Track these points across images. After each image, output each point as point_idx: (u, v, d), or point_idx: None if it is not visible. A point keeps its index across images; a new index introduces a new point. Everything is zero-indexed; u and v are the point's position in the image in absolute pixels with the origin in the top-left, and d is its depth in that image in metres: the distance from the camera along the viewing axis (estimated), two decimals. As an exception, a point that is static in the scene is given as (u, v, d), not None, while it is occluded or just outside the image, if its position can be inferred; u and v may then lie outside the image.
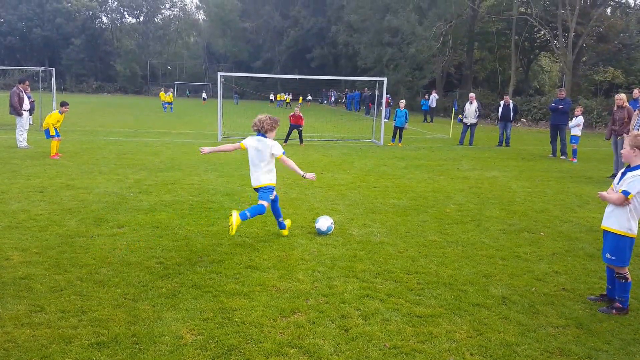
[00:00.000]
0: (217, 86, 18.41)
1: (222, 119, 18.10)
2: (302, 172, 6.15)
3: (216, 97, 19.43)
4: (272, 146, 5.84)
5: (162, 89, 42.35)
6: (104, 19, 79.21)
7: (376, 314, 4.17)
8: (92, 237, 5.98)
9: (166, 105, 35.44)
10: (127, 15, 79.84)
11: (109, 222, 6.63)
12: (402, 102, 18.57)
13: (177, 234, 6.21)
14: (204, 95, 54.70)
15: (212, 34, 73.13)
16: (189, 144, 15.80)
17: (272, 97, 55.65)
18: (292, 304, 4.30)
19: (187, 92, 68.52)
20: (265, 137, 5.88)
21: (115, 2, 77.69)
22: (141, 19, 79.06)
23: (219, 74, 18.36)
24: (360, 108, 42.91)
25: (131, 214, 7.07)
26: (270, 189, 5.94)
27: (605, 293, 4.67)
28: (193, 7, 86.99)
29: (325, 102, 58.44)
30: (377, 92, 22.57)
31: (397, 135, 18.03)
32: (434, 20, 39.44)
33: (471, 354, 3.61)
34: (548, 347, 3.75)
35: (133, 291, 4.48)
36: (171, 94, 37.27)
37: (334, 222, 6.58)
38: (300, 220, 7.02)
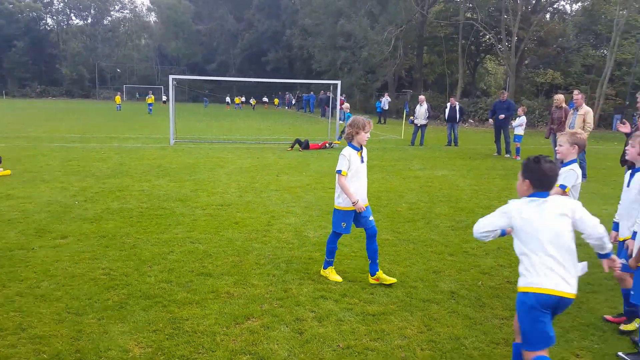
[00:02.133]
0: (170, 89, 18.07)
1: (174, 122, 17.80)
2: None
3: (177, 100, 19.08)
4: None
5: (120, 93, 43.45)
6: (49, 21, 76.28)
7: (330, 315, 4.24)
8: (33, 249, 5.74)
9: (151, 107, 37.32)
10: (74, 17, 77.13)
11: (51, 232, 6.38)
12: (346, 105, 18.69)
13: (125, 243, 6.04)
14: (165, 98, 53.70)
15: (164, 36, 71.74)
16: (139, 149, 15.44)
17: (228, 99, 55.19)
18: (246, 310, 4.30)
19: (137, 95, 66.85)
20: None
21: (61, 4, 74.97)
22: (89, 21, 76.58)
23: (171, 76, 18.05)
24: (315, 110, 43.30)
25: (76, 223, 6.84)
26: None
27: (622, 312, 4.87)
28: (144, 9, 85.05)
29: (286, 106, 58.38)
30: (331, 94, 22.80)
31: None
32: (385, 25, 40.27)
33: (421, 349, 3.73)
34: (494, 339, 3.92)
35: (77, 305, 4.32)
36: (152, 97, 39.24)
37: (290, 224, 6.61)
38: (255, 224, 7.03)
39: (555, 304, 2.94)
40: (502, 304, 4.59)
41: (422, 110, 18.92)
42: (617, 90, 32.94)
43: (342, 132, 17.69)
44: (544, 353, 2.91)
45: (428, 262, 5.67)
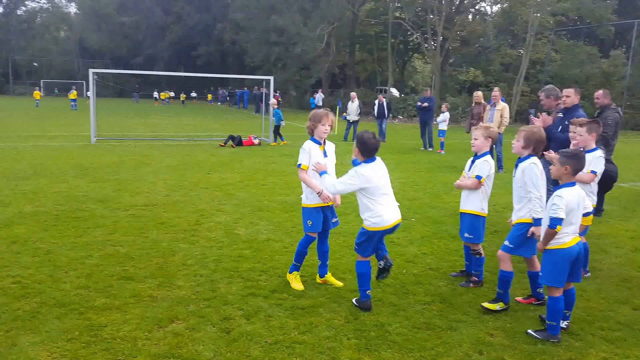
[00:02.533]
0: (91, 83, 17.25)
1: (95, 119, 17.03)
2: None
3: (102, 96, 18.20)
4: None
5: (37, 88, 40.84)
6: (-45, 12, 70.46)
7: (259, 312, 4.26)
8: None
9: (72, 103, 35.94)
10: (-17, 8, 71.69)
11: (-45, 241, 5.89)
12: (273, 101, 18.75)
13: (39, 249, 5.71)
14: (89, 93, 51.13)
15: (86, 29, 68.03)
16: (57, 148, 14.65)
17: (156, 94, 53.47)
18: (170, 312, 4.21)
19: (55, 91, 63.12)
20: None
21: (-31, -7, 69.46)
22: (0, 11, 71.43)
23: (91, 70, 17.23)
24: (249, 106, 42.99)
25: (-18, 229, 6.36)
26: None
27: (464, 269, 5.22)
28: (63, 0, 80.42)
29: (219, 102, 57.32)
30: (264, 90, 22.71)
31: (279, 134, 18.11)
32: (317, 21, 40.58)
33: (348, 339, 3.85)
34: (416, 323, 4.12)
35: (-19, 318, 4.02)
36: (75, 92, 37.61)
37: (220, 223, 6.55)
38: (183, 224, 6.92)
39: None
40: (424, 290, 4.82)
41: (353, 107, 19.47)
42: (532, 87, 35.06)
43: (275, 130, 17.70)
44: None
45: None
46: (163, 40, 65.23)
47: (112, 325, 3.98)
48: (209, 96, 60.51)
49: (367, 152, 4.24)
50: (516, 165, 4.47)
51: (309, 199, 4.75)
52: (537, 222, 4.18)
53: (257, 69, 46.02)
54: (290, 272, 4.94)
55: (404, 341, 3.82)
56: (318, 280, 5.02)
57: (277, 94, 30.83)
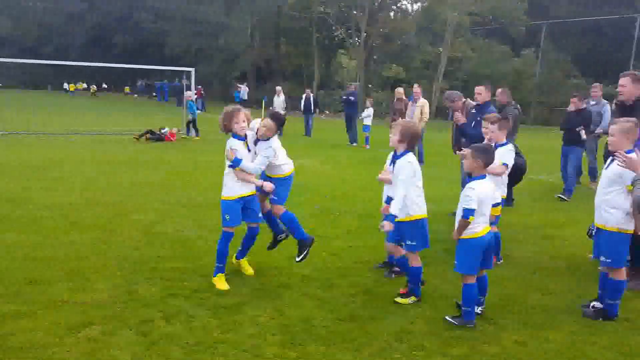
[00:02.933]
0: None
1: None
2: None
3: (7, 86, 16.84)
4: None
5: None
6: None
7: (180, 313, 4.14)
8: None
9: None
10: None
11: None
12: (189, 94, 18.27)
13: None
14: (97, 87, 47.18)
15: (-11, 12, 62.72)
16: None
17: (66, 86, 50.37)
18: (84, 317, 3.99)
19: None
20: None
21: None
22: None
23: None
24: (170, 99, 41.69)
25: None
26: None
27: (387, 260, 5.35)
28: (-40, -17, 73.54)
29: (135, 95, 54.99)
30: (185, 82, 22.09)
31: (196, 128, 17.61)
32: (242, 13, 39.96)
33: (273, 334, 3.83)
34: (340, 315, 4.18)
35: None
36: None
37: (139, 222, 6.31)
38: (99, 224, 6.59)
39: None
40: (349, 282, 4.90)
41: (279, 101, 19.45)
42: (450, 84, 36.62)
43: (188, 124, 17.16)
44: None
45: (286, 249, 5.78)
46: (77, 28, 61.40)
47: (21, 333, 3.71)
48: (127, 88, 57.79)
49: (281, 126, 4.87)
50: (393, 162, 4.55)
51: (227, 192, 4.72)
52: (389, 217, 4.27)
53: (179, 60, 44.66)
54: (214, 276, 4.81)
55: (328, 334, 3.87)
56: (232, 260, 5.08)
57: (200, 87, 30.21)
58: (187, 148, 14.71)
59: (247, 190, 4.76)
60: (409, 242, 4.50)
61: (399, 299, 4.53)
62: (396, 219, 4.35)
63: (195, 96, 20.79)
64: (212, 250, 5.63)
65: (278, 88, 20.57)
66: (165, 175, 10.14)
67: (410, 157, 4.55)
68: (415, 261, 4.52)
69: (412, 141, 4.48)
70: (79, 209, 7.26)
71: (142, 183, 9.33)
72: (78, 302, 4.29)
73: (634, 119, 4.28)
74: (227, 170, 4.72)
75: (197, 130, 17.57)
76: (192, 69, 19.23)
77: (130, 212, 7.23)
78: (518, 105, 8.22)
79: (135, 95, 54.92)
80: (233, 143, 4.67)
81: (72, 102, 37.32)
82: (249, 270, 5.09)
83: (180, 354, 3.54)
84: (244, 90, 34.08)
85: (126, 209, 7.42)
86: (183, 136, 17.28)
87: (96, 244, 5.83)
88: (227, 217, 4.70)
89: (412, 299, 4.54)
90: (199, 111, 21.08)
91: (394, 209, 4.27)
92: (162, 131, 16.39)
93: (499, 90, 8.74)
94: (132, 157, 12.51)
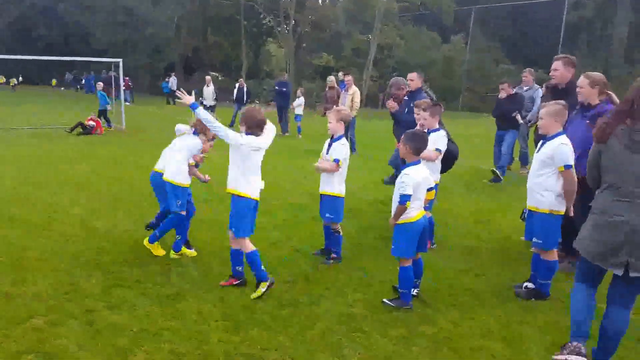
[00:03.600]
0: None
1: None
2: None
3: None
4: None
5: None
6: None
7: (124, 303, 4.17)
8: None
9: None
10: None
11: None
12: (100, 85, 17.44)
13: None
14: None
15: None
16: None
17: None
18: (28, 309, 3.96)
19: None
20: None
21: None
22: None
23: None
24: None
25: None
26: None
27: (324, 247, 5.54)
28: None
29: (64, 87, 51.97)
30: (113, 74, 21.27)
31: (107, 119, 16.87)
32: (168, 3, 38.74)
33: (216, 321, 3.94)
34: (281, 302, 4.33)
35: None
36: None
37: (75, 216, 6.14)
38: (34, 219, 6.38)
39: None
40: (288, 271, 5.04)
41: (209, 91, 18.99)
42: (381, 72, 36.68)
43: (99, 115, 16.46)
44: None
45: (220, 240, 5.84)
46: (-3, 20, 57.10)
47: (-36, 327, 3.64)
48: (54, 81, 54.57)
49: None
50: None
51: (184, 179, 5.13)
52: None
53: (105, 52, 42.75)
54: (175, 251, 5.27)
55: (270, 319, 4.01)
56: (173, 254, 5.27)
57: (127, 78, 29.18)
58: (114, 141, 14.24)
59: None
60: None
61: (253, 295, 4.41)
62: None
63: (124, 87, 19.99)
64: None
65: (208, 78, 20.00)
66: (98, 170, 9.83)
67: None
68: (248, 247, 4.49)
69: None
70: (13, 205, 6.98)
71: (74, 177, 9.01)
72: (19, 295, 4.23)
73: (562, 101, 4.44)
74: (183, 158, 5.12)
75: (108, 121, 16.80)
76: (119, 60, 18.53)
77: (65, 207, 7.01)
78: (429, 91, 8.49)
79: (62, 88, 51.99)
80: None
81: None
82: (193, 253, 5.40)
83: (126, 341, 3.59)
84: (172, 80, 33.19)
85: (60, 203, 7.18)
86: (105, 128, 16.50)
87: (34, 238, 5.67)
88: (178, 203, 5.10)
89: (263, 285, 4.41)
90: (127, 103, 20.41)
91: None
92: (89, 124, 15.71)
93: (414, 74, 9.14)
94: (64, 152, 11.98)
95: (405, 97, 7.33)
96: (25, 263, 4.93)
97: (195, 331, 3.76)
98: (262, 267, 4.46)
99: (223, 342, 3.63)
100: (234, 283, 4.64)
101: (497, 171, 9.51)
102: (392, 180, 9.72)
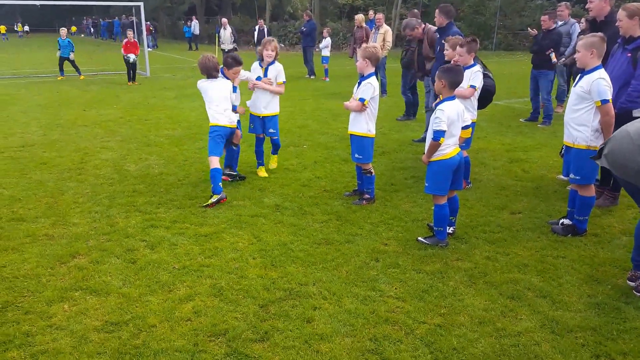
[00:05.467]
0: None
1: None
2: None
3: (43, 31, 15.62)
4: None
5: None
6: None
7: (163, 241, 4.26)
8: None
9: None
10: None
11: None
12: (63, 30, 16.20)
13: None
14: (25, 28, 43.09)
15: None
16: None
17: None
18: (70, 249, 4.09)
19: None
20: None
21: None
22: None
23: None
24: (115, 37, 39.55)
25: None
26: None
27: (357, 188, 5.53)
28: None
29: (83, 34, 51.81)
30: (134, 18, 20.98)
31: (61, 68, 16.11)
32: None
33: (253, 258, 4.00)
34: (316, 240, 4.36)
35: None
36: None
37: (107, 160, 6.23)
38: (67, 163, 6.50)
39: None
40: (321, 210, 5.06)
41: (226, 34, 18.41)
42: (410, 10, 35.29)
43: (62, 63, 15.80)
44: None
45: (253, 182, 5.91)
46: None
47: (12, 265, 3.81)
48: (73, 28, 54.36)
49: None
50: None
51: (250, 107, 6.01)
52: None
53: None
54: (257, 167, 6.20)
55: (306, 256, 4.05)
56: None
57: (149, 23, 28.79)
58: (139, 88, 14.23)
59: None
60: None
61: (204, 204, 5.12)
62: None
63: (145, 33, 19.70)
64: (182, 184, 5.76)
65: (224, 20, 19.29)
66: (124, 115, 9.92)
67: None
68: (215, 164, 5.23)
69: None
70: (44, 150, 7.16)
71: (102, 122, 9.12)
72: (61, 236, 4.36)
73: (600, 33, 4.25)
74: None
75: (77, 69, 16.02)
76: (140, 3, 18.18)
77: (96, 151, 7.14)
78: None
79: (82, 35, 51.84)
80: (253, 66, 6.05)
81: (16, 44, 35.01)
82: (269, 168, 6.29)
83: (168, 277, 3.68)
84: (194, 24, 32.61)
85: (90, 148, 7.32)
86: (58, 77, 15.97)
87: (67, 181, 5.80)
88: (252, 126, 6.03)
89: (215, 197, 5.12)
90: (149, 49, 20.19)
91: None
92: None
93: (414, 11, 9.04)
94: (89, 98, 12.13)
95: (437, 34, 7.11)
96: (63, 206, 5.06)
97: (235, 267, 3.84)
98: (220, 184, 5.20)
99: (261, 277, 3.69)
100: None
101: (541, 126, 9.13)
102: (405, 119, 9.70)
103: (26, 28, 51.30)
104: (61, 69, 16.07)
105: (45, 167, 6.30)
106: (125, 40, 14.97)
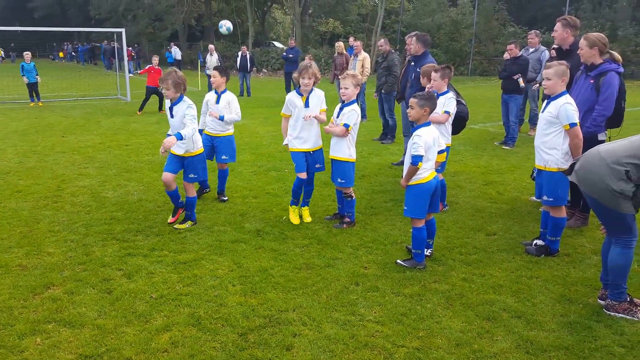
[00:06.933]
0: None
1: None
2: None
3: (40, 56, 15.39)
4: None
5: None
6: None
7: (140, 270, 4.20)
8: None
9: None
10: None
11: None
12: (27, 55, 15.62)
13: None
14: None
15: None
16: None
17: None
18: (44, 279, 4.01)
19: None
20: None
21: None
22: None
23: None
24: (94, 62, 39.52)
25: None
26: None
27: (337, 212, 5.56)
28: None
29: (64, 59, 51.59)
30: (116, 44, 21.04)
31: (35, 94, 15.64)
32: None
33: (233, 285, 3.97)
34: (296, 264, 4.35)
35: None
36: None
37: (84, 187, 6.19)
38: (43, 191, 6.41)
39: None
40: (302, 234, 5.06)
41: (212, 60, 18.71)
42: (389, 37, 36.32)
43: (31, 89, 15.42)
44: None
45: (234, 207, 5.91)
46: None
47: (-17, 298, 3.71)
48: (61, 53, 53.90)
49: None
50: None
51: (291, 144, 5.33)
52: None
53: (105, 21, 42.28)
54: (290, 205, 5.51)
55: (286, 281, 4.04)
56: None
57: (130, 49, 28.89)
58: (120, 112, 14.20)
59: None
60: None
61: (177, 225, 5.21)
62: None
63: (127, 59, 19.73)
64: (162, 211, 5.71)
65: (211, 46, 19.75)
66: (104, 140, 9.85)
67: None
68: (191, 192, 5.28)
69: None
70: (20, 177, 7.04)
71: (81, 148, 9.04)
72: (35, 266, 4.28)
73: (564, 61, 4.48)
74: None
75: (37, 95, 15.71)
76: (121, 29, 18.29)
77: (73, 178, 7.06)
78: (398, 54, 8.60)
79: (64, 60, 51.49)
80: (290, 96, 5.42)
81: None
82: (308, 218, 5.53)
83: (145, 307, 3.63)
84: (174, 50, 32.76)
85: (68, 175, 7.23)
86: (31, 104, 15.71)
87: (43, 210, 5.72)
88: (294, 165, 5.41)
89: (189, 223, 5.23)
90: (130, 74, 20.20)
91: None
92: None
93: (382, 40, 9.98)
94: (68, 123, 12.03)
95: (411, 63, 7.26)
96: (38, 235, 4.97)
97: (214, 295, 3.80)
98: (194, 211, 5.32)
99: (241, 304, 3.66)
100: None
101: (505, 146, 9.46)
102: (381, 139, 9.93)
103: (2, 54, 50.98)
104: (31, 95, 15.60)
105: (20, 195, 6.21)
106: (148, 66, 14.67)
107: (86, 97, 17.89)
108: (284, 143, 5.44)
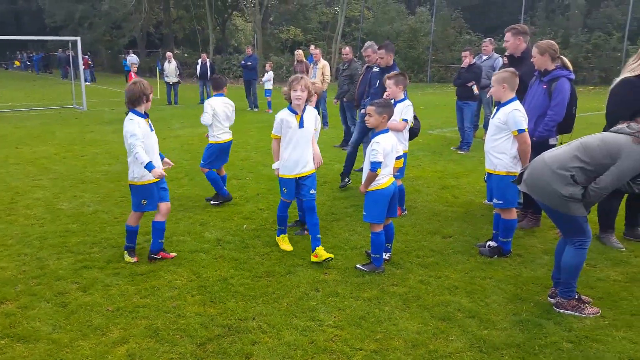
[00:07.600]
0: None
1: None
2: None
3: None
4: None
5: None
6: None
7: (96, 283, 4.13)
8: None
9: None
10: None
11: None
12: None
13: None
14: None
15: None
16: None
17: None
18: (-4, 294, 3.90)
19: None
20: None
21: None
22: None
23: None
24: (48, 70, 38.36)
25: None
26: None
27: (298, 219, 5.59)
28: None
29: (9, 67, 49.90)
30: (71, 52, 20.55)
31: None
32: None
33: (192, 295, 3.94)
34: (257, 273, 4.35)
35: None
36: None
37: (39, 199, 6.02)
38: (-4, 204, 6.21)
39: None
40: (263, 242, 5.07)
41: (171, 68, 18.52)
42: (349, 44, 36.59)
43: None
44: None
45: (194, 216, 5.86)
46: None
47: None
48: (17, 62, 51.99)
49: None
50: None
51: (281, 170, 4.82)
52: None
53: (61, 29, 41.11)
54: (278, 236, 5.04)
55: (246, 290, 4.03)
56: (312, 258, 4.62)
57: (87, 57, 28.24)
58: (75, 122, 13.87)
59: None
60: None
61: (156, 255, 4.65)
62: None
63: (82, 67, 19.26)
64: (119, 222, 5.63)
65: (169, 54, 19.50)
66: (60, 151, 9.61)
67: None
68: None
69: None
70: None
71: (35, 159, 8.80)
72: (-14, 281, 4.14)
73: (511, 69, 4.67)
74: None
75: None
76: (77, 38, 17.89)
77: (27, 190, 6.87)
78: (360, 62, 8.79)
79: (9, 70, 49.76)
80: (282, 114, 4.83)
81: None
82: (326, 255, 4.58)
83: (102, 320, 3.57)
84: (130, 57, 32.15)
85: (22, 187, 7.04)
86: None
87: (-5, 224, 5.54)
88: (285, 190, 4.85)
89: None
90: (87, 83, 19.76)
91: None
92: None
93: (347, 48, 10.18)
94: (22, 134, 11.68)
95: (373, 70, 7.30)
96: (-10, 249, 4.82)
97: (172, 306, 3.76)
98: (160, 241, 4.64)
99: (200, 315, 3.64)
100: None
101: (460, 150, 9.70)
102: (342, 145, 10.06)
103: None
104: None
105: (-29, 209, 6.00)
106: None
107: (41, 107, 17.39)
108: (273, 167, 4.96)
